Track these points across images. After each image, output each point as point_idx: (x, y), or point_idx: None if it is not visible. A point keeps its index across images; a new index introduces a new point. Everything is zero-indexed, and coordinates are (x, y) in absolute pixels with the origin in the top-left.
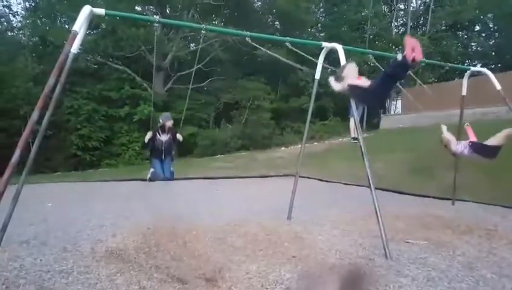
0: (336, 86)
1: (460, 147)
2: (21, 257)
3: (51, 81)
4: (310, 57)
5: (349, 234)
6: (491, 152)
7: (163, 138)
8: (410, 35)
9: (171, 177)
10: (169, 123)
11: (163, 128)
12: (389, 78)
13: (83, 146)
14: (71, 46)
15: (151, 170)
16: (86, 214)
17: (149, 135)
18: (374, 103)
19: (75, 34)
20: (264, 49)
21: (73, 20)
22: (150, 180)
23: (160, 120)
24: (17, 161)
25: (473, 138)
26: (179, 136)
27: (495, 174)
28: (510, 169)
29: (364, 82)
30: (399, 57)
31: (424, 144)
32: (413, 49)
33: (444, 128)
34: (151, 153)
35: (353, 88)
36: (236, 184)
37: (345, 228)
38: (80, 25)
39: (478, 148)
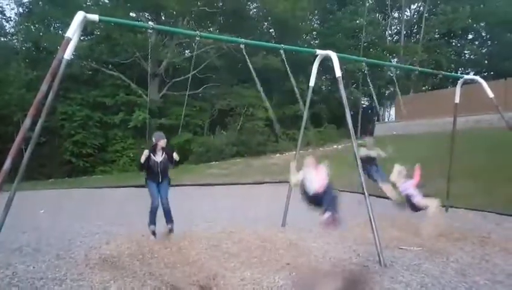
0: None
1: (402, 188)
2: (13, 265)
3: (44, 87)
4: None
5: (344, 241)
6: (414, 209)
7: (158, 158)
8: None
9: (167, 207)
10: (162, 142)
11: (155, 148)
12: None
13: (77, 153)
14: (64, 52)
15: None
16: (79, 221)
17: (145, 153)
18: None
19: (69, 40)
20: (253, 61)
21: (67, 25)
22: (153, 231)
23: (153, 139)
24: (9, 168)
25: (416, 178)
26: (175, 156)
27: (489, 182)
28: (504, 177)
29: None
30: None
31: (417, 152)
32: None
33: (396, 168)
34: (147, 176)
35: None
36: (231, 191)
37: (339, 235)
38: (73, 31)
39: (408, 201)
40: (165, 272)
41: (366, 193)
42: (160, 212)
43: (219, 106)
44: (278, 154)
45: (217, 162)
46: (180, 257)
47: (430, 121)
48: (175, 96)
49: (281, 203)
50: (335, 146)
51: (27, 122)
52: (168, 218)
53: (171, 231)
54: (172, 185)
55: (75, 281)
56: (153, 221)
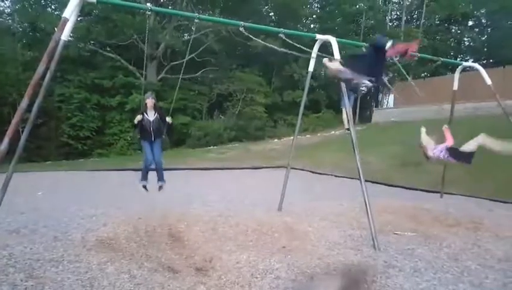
0: (330, 66)
1: (437, 151)
2: (10, 246)
3: (41, 68)
4: (304, 48)
5: (339, 226)
6: (466, 158)
7: (151, 117)
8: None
9: (160, 166)
10: (149, 102)
11: (145, 108)
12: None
13: (74, 135)
14: (61, 33)
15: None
16: (77, 203)
17: (139, 117)
18: (369, 72)
19: (65, 21)
20: (259, 40)
21: (64, 5)
22: (144, 186)
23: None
24: (6, 148)
25: (449, 140)
26: (168, 119)
27: (483, 169)
28: (498, 163)
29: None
30: (388, 44)
31: (415, 138)
32: (405, 51)
33: (423, 131)
34: (140, 135)
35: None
36: (228, 175)
37: (335, 220)
38: (70, 12)
39: (454, 153)
40: (161, 254)
41: (362, 179)
42: (153, 199)
43: (218, 90)
44: (276, 140)
45: (215, 147)
46: (177, 240)
47: (428, 108)
48: (173, 80)
49: (278, 188)
50: (333, 132)
51: (24, 102)
52: (160, 176)
53: (161, 188)
54: (170, 169)
55: (72, 263)
56: (144, 177)
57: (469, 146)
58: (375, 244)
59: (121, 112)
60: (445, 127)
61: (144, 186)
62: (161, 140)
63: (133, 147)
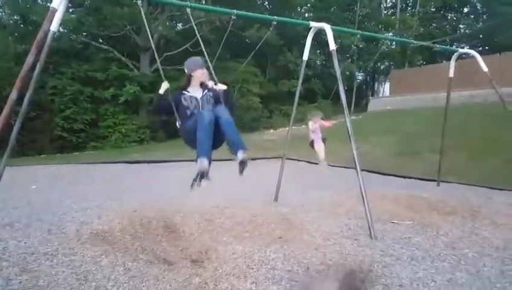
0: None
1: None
2: (4, 240)
3: (30, 59)
4: None
5: (336, 215)
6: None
7: (197, 93)
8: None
9: (233, 130)
10: (199, 74)
11: (188, 83)
12: None
13: (68, 128)
14: (50, 23)
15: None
16: (71, 196)
17: (166, 84)
18: None
19: (54, 11)
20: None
21: None
22: (196, 180)
23: (186, 69)
24: None
25: (328, 124)
26: (220, 85)
27: (480, 156)
28: (495, 151)
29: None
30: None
31: (411, 127)
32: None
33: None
34: (180, 120)
35: None
36: (223, 166)
37: (331, 209)
38: (58, 2)
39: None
40: (157, 246)
41: (358, 168)
42: (148, 191)
43: None
44: (271, 130)
45: None
46: (172, 232)
47: (425, 96)
48: (167, 71)
49: (274, 178)
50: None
51: (13, 94)
52: (237, 139)
53: (243, 163)
54: (164, 161)
55: (66, 256)
56: (204, 152)
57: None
58: (371, 233)
59: (115, 104)
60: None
61: (203, 173)
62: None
63: (128, 140)
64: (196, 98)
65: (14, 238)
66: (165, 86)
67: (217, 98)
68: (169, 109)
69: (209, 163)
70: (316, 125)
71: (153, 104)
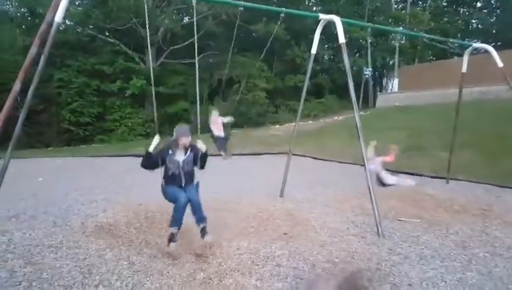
0: None
1: (373, 163)
2: (10, 232)
3: (33, 50)
4: None
5: (342, 212)
6: (383, 185)
7: (180, 157)
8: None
9: (199, 206)
10: (184, 140)
11: (176, 145)
12: None
13: (74, 121)
14: (54, 13)
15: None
16: (77, 189)
17: (156, 139)
18: None
19: (58, 2)
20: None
21: None
22: (171, 240)
23: (174, 134)
24: (0, 133)
25: (390, 158)
26: (201, 146)
27: (491, 155)
28: (506, 150)
29: None
30: None
31: (419, 123)
32: None
33: (372, 144)
34: (164, 179)
35: None
36: (229, 162)
37: (338, 206)
38: None
39: (379, 179)
40: (161, 240)
41: (366, 164)
42: (153, 185)
43: (218, 76)
44: (277, 125)
45: None
46: None
47: (434, 92)
48: (173, 65)
49: (279, 174)
50: (336, 117)
51: (17, 86)
52: (200, 217)
53: (203, 231)
54: None
55: (71, 249)
56: (178, 222)
57: (390, 180)
58: (379, 231)
59: (122, 97)
60: (393, 148)
61: (173, 236)
62: (197, 183)
63: (134, 133)
64: (178, 162)
65: (19, 230)
66: (156, 140)
67: (195, 158)
68: (156, 166)
69: (179, 229)
70: (378, 159)
71: (142, 162)
